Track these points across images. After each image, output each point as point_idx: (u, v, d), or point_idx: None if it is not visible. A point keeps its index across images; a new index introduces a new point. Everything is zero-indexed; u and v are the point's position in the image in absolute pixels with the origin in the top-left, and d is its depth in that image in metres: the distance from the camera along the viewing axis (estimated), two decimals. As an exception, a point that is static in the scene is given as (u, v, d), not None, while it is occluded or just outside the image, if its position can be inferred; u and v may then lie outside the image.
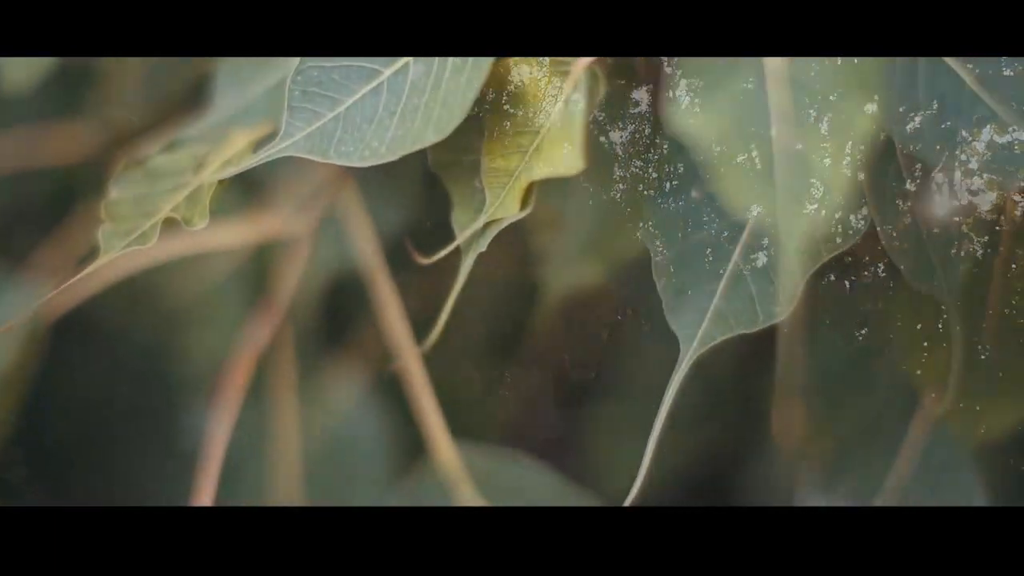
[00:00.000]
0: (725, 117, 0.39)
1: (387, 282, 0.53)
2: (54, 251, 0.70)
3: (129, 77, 0.69)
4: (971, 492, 0.55)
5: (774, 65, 0.40)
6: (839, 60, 0.40)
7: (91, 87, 0.73)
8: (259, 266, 0.63)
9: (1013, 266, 0.52)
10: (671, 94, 0.39)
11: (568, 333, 0.75)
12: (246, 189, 0.63)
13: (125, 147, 0.65)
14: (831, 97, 0.39)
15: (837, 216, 0.47)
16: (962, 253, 0.50)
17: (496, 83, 0.46)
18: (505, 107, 0.46)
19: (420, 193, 0.62)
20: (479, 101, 0.46)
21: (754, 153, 0.39)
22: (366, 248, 0.54)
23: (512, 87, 0.46)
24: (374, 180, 0.60)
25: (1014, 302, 0.53)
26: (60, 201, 0.74)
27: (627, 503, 0.47)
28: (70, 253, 0.69)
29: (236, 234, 0.59)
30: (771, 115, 0.39)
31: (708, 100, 0.39)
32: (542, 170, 0.45)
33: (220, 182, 0.49)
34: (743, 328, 0.47)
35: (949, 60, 0.44)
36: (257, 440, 0.62)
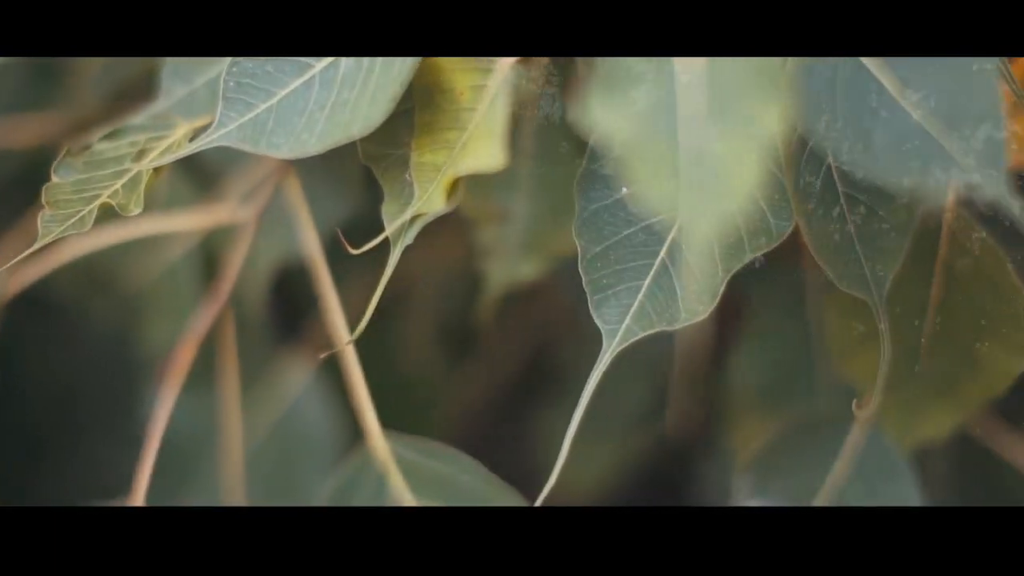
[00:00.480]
0: (634, 117, 0.40)
1: (326, 271, 0.55)
2: (16, 236, 0.72)
3: (92, 65, 0.71)
4: (908, 494, 0.56)
5: (684, 65, 0.41)
6: (752, 61, 0.41)
7: (55, 75, 0.75)
8: (211, 254, 0.65)
9: (950, 267, 0.54)
10: (581, 94, 0.41)
11: (516, 330, 0.77)
12: (204, 179, 0.66)
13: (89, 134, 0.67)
14: (742, 98, 0.41)
15: (755, 217, 0.49)
16: (893, 255, 0.52)
17: (425, 79, 0.48)
18: (434, 103, 0.48)
19: (366, 184, 0.64)
20: (408, 96, 0.48)
21: (663, 153, 0.40)
22: (308, 238, 0.56)
23: (440, 84, 0.48)
24: (320, 170, 0.62)
25: (949, 304, 0.55)
26: (27, 186, 0.76)
27: (538, 503, 0.49)
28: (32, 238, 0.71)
29: (186, 222, 0.62)
30: (679, 115, 0.41)
31: (617, 100, 0.41)
32: (467, 166, 0.47)
33: (156, 170, 0.51)
34: (665, 325, 0.49)
35: (867, 62, 0.45)
36: (200, 426, 0.65)
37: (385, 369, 0.73)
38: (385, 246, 0.49)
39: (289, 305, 0.70)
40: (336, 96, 0.48)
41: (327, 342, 0.59)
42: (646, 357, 0.69)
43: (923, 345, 0.56)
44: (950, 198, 0.54)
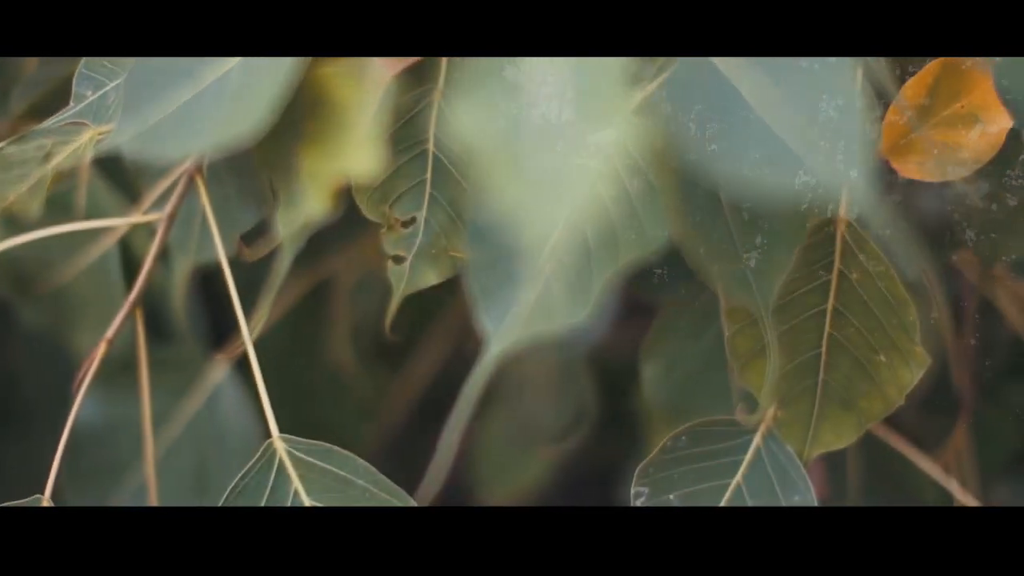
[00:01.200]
0: (488, 123, 0.44)
1: (229, 274, 0.59)
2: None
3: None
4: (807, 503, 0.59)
5: (534, 69, 0.44)
6: (609, 67, 0.44)
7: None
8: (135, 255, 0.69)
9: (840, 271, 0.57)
10: (439, 100, 0.44)
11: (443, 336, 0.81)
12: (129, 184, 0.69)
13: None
14: (595, 105, 0.44)
15: (630, 224, 0.52)
16: (780, 265, 0.55)
17: (311, 90, 0.52)
18: (319, 113, 0.52)
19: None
20: (297, 105, 0.52)
21: (514, 158, 0.43)
22: (215, 241, 0.60)
23: (325, 94, 0.52)
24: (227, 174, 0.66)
25: (846, 315, 0.58)
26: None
27: (421, 503, 0.53)
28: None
29: (105, 223, 0.66)
30: (531, 121, 0.44)
31: (469, 106, 0.44)
32: (348, 173, 0.50)
33: (61, 174, 0.55)
34: (544, 327, 0.52)
35: (724, 68, 0.48)
36: (113, 425, 0.68)
37: (312, 373, 0.77)
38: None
39: (213, 305, 0.74)
40: (227, 104, 0.52)
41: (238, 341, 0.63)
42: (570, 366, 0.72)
43: (822, 356, 0.59)
44: (842, 208, 0.57)
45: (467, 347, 0.81)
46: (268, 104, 0.50)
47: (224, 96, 0.52)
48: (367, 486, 0.56)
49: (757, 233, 0.54)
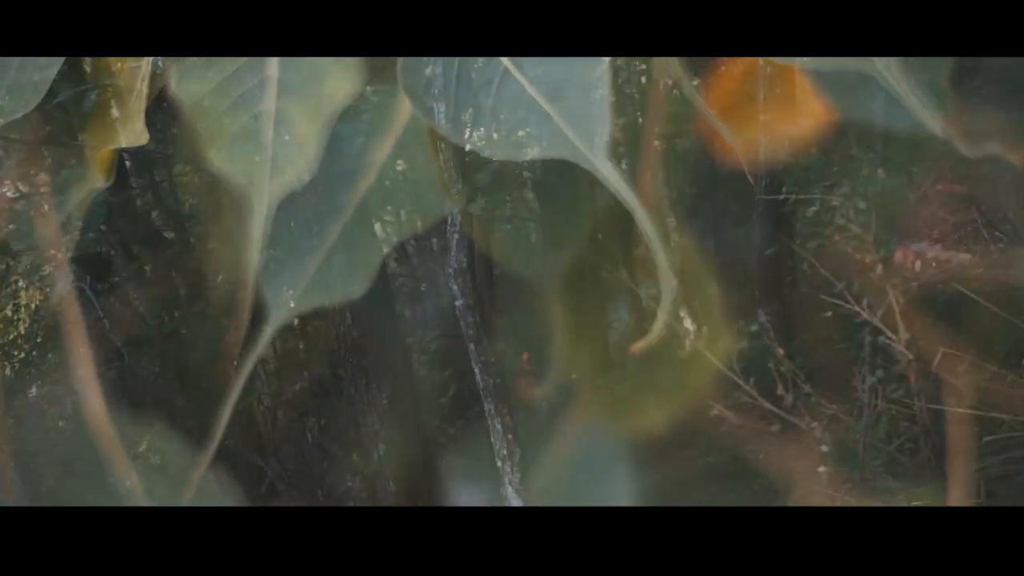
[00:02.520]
0: (211, 95, 0.44)
1: (65, 264, 0.60)
2: None
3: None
4: (620, 487, 0.58)
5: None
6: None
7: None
8: None
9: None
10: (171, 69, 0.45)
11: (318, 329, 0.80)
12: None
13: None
14: (314, 81, 0.45)
15: (421, 198, 0.52)
16: (567, 241, 0.54)
17: (101, 73, 0.53)
18: (103, 85, 0.53)
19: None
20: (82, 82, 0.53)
21: (235, 130, 0.44)
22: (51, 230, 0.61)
23: (107, 65, 0.53)
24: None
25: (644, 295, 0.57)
26: None
27: (189, 498, 0.53)
28: None
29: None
30: (264, 92, 0.44)
31: (203, 74, 0.44)
32: (121, 143, 0.51)
33: None
34: (324, 300, 0.52)
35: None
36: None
37: (184, 363, 0.77)
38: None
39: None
40: (7, 83, 0.53)
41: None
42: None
43: (628, 334, 0.58)
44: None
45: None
46: (44, 81, 0.51)
47: (7, 76, 0.53)
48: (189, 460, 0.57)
49: (542, 209, 0.54)
